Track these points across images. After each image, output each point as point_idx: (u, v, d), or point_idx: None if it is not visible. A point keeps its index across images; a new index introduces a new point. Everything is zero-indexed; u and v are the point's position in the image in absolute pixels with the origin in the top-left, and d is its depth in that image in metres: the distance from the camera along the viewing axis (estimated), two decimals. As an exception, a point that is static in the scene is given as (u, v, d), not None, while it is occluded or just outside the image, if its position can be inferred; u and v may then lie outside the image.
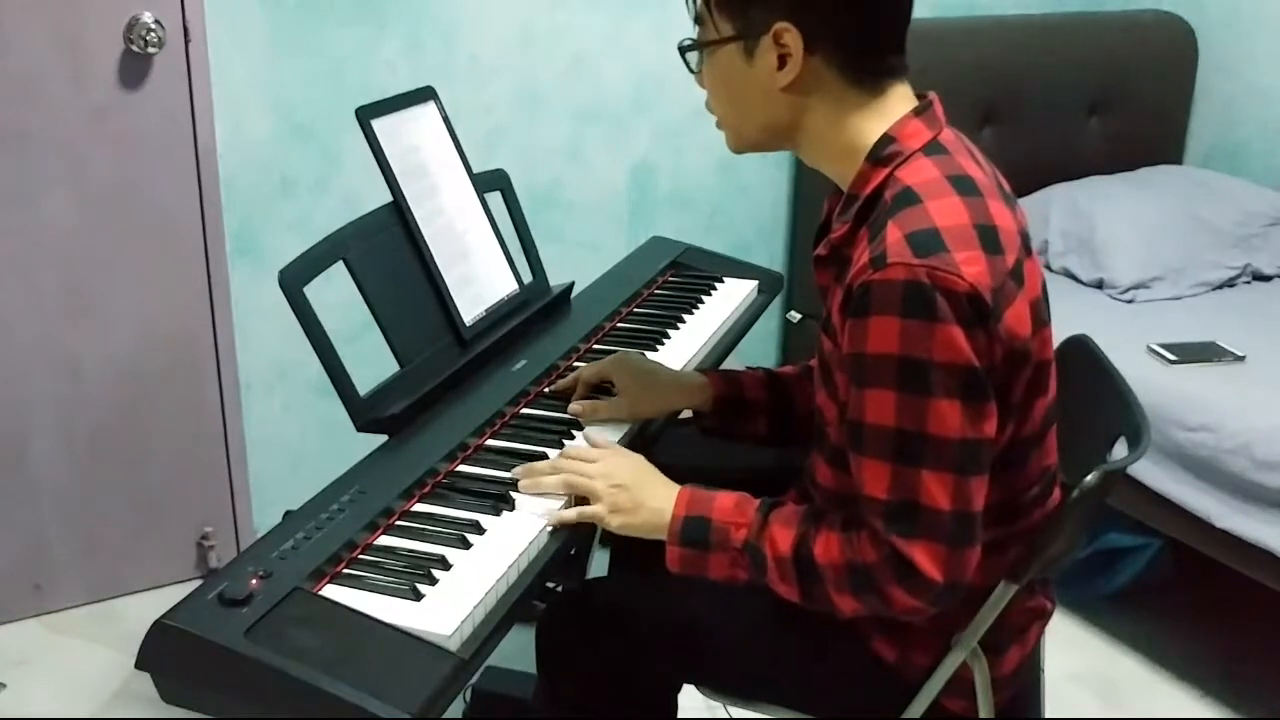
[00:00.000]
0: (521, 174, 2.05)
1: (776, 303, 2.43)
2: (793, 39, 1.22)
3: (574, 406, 1.56)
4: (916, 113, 1.26)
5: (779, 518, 1.28)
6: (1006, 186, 1.31)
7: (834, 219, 1.30)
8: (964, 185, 1.21)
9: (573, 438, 1.52)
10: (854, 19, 1.23)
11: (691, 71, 1.34)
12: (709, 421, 1.62)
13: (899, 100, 1.27)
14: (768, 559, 1.27)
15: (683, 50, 1.32)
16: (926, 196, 1.19)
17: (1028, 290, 1.24)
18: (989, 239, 1.18)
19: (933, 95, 1.30)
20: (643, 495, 1.35)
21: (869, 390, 1.18)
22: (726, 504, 1.31)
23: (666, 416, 1.63)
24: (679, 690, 1.57)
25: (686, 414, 1.65)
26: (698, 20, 1.31)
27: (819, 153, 1.31)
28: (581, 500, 1.37)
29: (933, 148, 1.24)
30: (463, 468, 1.44)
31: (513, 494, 1.38)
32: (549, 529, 1.32)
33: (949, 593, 1.20)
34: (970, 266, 1.15)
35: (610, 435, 1.51)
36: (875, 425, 1.18)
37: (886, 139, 1.24)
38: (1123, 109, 3.15)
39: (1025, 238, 1.27)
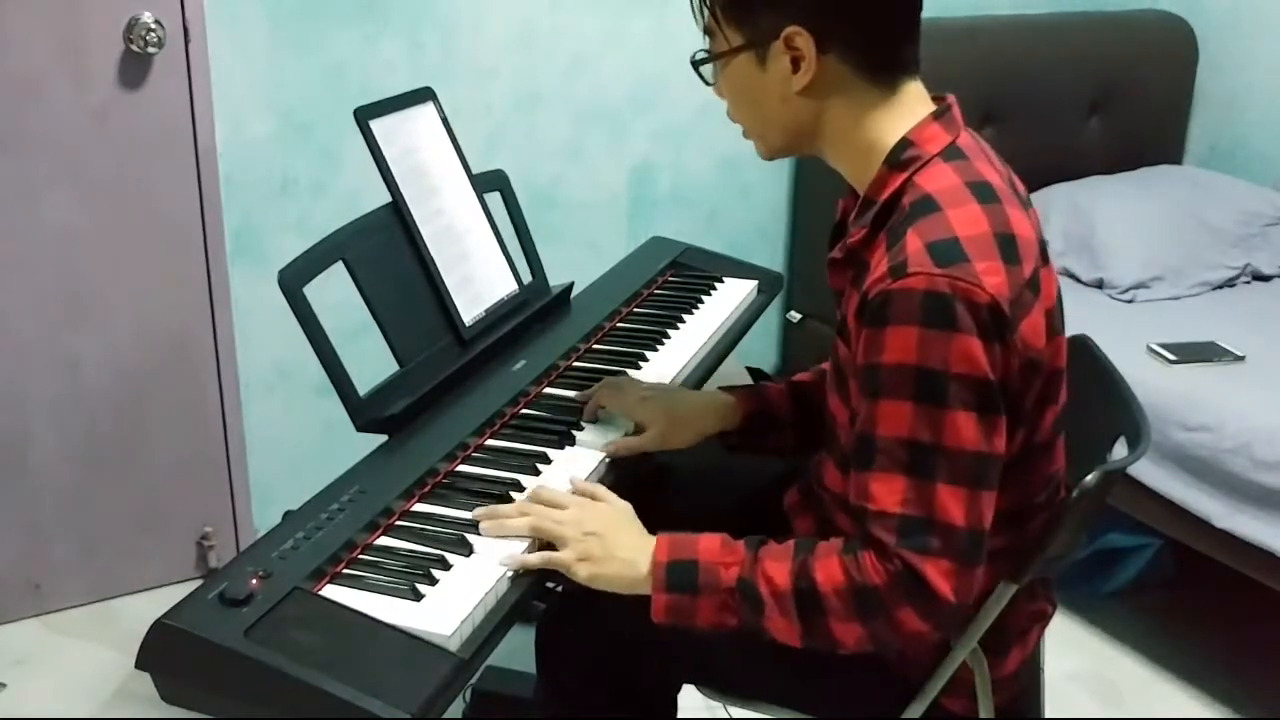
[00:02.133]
0: (521, 174, 2.05)
1: (776, 303, 2.43)
2: (804, 41, 1.21)
3: (609, 447, 1.49)
4: (935, 116, 1.25)
5: (769, 553, 1.24)
6: (1021, 189, 1.29)
7: (850, 223, 1.29)
8: (983, 192, 1.20)
9: (572, 439, 1.52)
10: (863, 14, 1.22)
11: (707, 84, 1.32)
12: (736, 439, 1.58)
13: (915, 99, 1.26)
14: (764, 596, 1.22)
15: (696, 64, 1.31)
16: (946, 204, 1.18)
17: (1044, 299, 1.23)
18: (1008, 249, 1.17)
19: (951, 98, 1.29)
20: (614, 545, 1.28)
21: (883, 401, 1.16)
22: (712, 545, 1.25)
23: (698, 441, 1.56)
24: (679, 690, 1.57)
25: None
26: (708, 33, 1.30)
27: (839, 154, 1.30)
28: (549, 545, 1.30)
29: (951, 152, 1.23)
30: (463, 468, 1.44)
31: (513, 493, 1.38)
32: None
33: (956, 614, 1.19)
34: (990, 277, 1.14)
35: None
36: (888, 437, 1.16)
37: (905, 143, 1.23)
38: (1123, 109, 3.15)
39: (1043, 245, 1.26)
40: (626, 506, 1.34)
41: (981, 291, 1.13)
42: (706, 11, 1.28)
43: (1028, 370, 1.20)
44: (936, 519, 1.16)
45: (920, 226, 1.16)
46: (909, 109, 1.25)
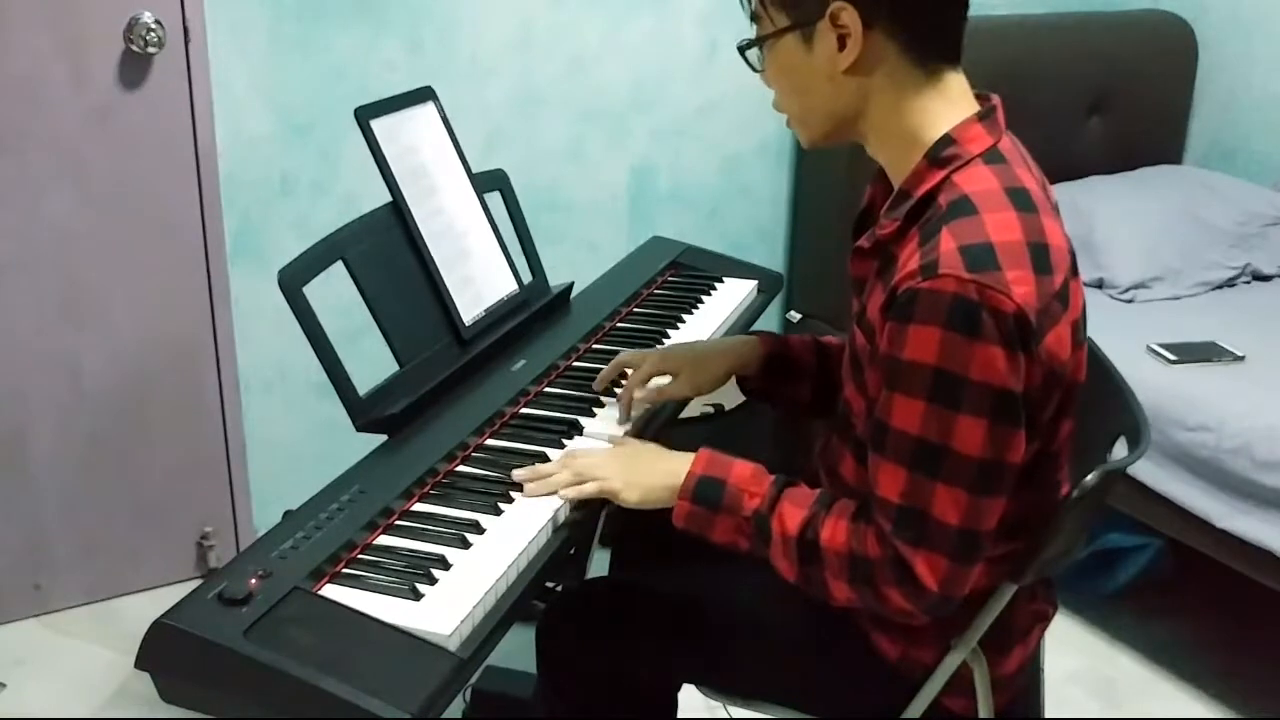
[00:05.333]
0: (521, 174, 2.05)
1: (776, 303, 2.44)
2: (850, 17, 1.20)
3: (639, 394, 1.56)
4: (979, 117, 1.24)
5: (792, 496, 1.29)
6: (1052, 195, 1.29)
7: (882, 213, 1.28)
8: (1020, 199, 1.20)
9: (571, 438, 1.52)
10: None
11: (755, 70, 1.32)
12: (754, 383, 1.61)
13: (958, 93, 1.26)
14: (774, 534, 1.28)
15: (742, 49, 1.31)
16: (983, 208, 1.17)
17: (1071, 311, 1.23)
18: (1040, 258, 1.17)
19: (996, 99, 1.28)
20: (654, 467, 1.37)
21: (898, 395, 1.18)
22: (744, 472, 1.33)
23: (723, 382, 1.61)
24: (679, 690, 1.57)
25: (691, 412, 1.64)
26: (754, 18, 1.30)
27: (880, 140, 1.29)
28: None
29: (992, 155, 1.23)
30: (462, 468, 1.44)
31: (513, 492, 1.38)
32: (549, 527, 1.32)
33: (943, 604, 1.20)
34: (1019, 286, 1.14)
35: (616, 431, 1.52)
36: (899, 430, 1.18)
37: (947, 140, 1.23)
38: (1123, 109, 3.15)
39: (1073, 256, 1.26)
40: (656, 444, 1.44)
41: (1009, 301, 1.13)
42: None
43: (1049, 382, 1.20)
44: (931, 515, 1.17)
45: (955, 227, 1.16)
46: (952, 102, 1.25)
